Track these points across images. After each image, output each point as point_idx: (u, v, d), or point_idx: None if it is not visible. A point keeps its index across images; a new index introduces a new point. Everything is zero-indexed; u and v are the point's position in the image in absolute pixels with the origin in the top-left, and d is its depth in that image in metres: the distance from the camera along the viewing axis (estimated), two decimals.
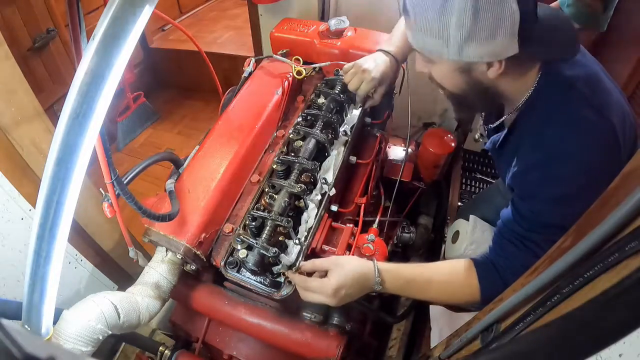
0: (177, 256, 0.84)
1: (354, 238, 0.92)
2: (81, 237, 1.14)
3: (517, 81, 0.73)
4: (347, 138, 1.03)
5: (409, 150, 1.34)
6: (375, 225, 0.98)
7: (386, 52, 1.01)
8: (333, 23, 1.17)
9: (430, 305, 1.08)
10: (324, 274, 0.77)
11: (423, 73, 0.81)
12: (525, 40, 0.65)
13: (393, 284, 0.77)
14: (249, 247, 0.80)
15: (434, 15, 0.65)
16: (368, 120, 1.19)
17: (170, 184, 0.89)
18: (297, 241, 0.82)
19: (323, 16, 1.58)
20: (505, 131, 0.82)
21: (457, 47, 0.66)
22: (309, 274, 0.79)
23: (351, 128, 1.05)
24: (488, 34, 0.64)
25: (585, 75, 0.70)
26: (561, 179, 0.68)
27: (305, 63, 1.15)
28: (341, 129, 1.04)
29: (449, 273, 0.80)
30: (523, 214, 0.73)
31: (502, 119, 0.83)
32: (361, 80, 0.98)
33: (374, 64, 0.98)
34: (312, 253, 0.89)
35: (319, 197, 0.90)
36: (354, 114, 1.09)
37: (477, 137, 0.97)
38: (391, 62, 1.01)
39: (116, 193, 0.71)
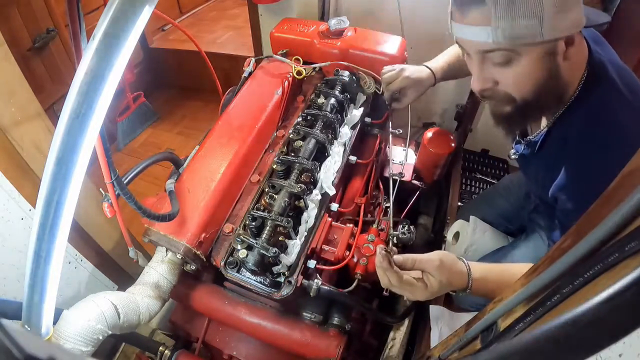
0: (177, 256, 0.84)
1: (354, 238, 0.92)
2: (81, 237, 1.14)
3: (573, 63, 0.70)
4: (347, 138, 1.03)
5: (410, 150, 1.34)
6: (375, 226, 0.98)
7: (428, 67, 1.07)
8: (333, 23, 1.17)
9: (430, 305, 1.08)
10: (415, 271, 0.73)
11: (483, 89, 0.74)
12: None
13: (478, 291, 0.74)
14: (249, 247, 0.80)
15: None
16: (368, 120, 1.19)
17: (170, 184, 0.89)
18: (297, 241, 0.82)
19: (323, 16, 1.58)
20: (544, 132, 0.79)
21: (551, 23, 0.61)
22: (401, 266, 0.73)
23: (352, 127, 1.06)
24: None
25: (617, 65, 0.70)
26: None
27: (305, 63, 1.15)
28: (341, 129, 1.04)
29: None
30: None
31: (555, 117, 0.76)
32: (396, 77, 1.04)
33: (414, 69, 1.05)
34: (312, 253, 0.89)
35: (319, 197, 0.90)
36: (354, 114, 1.09)
37: (512, 155, 0.92)
38: (428, 75, 1.06)
39: (116, 193, 0.71)
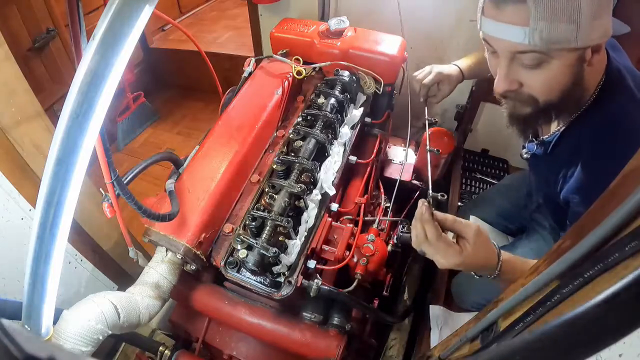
0: (177, 256, 0.84)
1: (354, 238, 0.92)
2: (81, 237, 1.14)
3: (595, 70, 0.69)
4: (347, 138, 1.03)
5: (410, 150, 1.34)
6: (375, 226, 0.98)
7: (457, 65, 1.10)
8: (333, 23, 1.17)
9: (430, 305, 1.08)
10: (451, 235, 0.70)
11: (508, 90, 0.71)
12: None
13: (505, 276, 0.70)
14: (249, 247, 0.80)
15: None
16: (368, 120, 1.19)
17: (170, 184, 0.89)
18: (297, 241, 0.82)
19: (323, 16, 1.58)
20: (558, 133, 0.78)
21: (586, 29, 0.59)
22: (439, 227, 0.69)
23: (352, 127, 1.06)
24: (606, 3, 0.59)
25: (632, 72, 0.71)
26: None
27: (305, 63, 1.15)
28: (341, 129, 1.04)
29: None
30: None
31: (571, 119, 0.75)
32: (429, 73, 1.08)
33: (444, 66, 1.09)
34: (312, 253, 0.89)
35: (319, 197, 0.90)
36: (354, 114, 1.09)
37: (524, 154, 0.92)
38: (457, 72, 1.09)
39: (116, 193, 0.71)
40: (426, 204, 0.69)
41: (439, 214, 0.70)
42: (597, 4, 0.59)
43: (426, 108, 1.14)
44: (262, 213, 0.81)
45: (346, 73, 1.10)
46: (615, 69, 0.71)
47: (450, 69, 1.09)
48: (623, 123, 0.68)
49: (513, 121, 0.78)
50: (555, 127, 0.79)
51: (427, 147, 1.07)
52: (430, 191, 0.79)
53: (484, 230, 0.69)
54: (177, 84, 3.02)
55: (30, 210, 0.95)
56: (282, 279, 0.81)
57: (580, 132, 0.73)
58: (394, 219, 1.09)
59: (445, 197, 0.91)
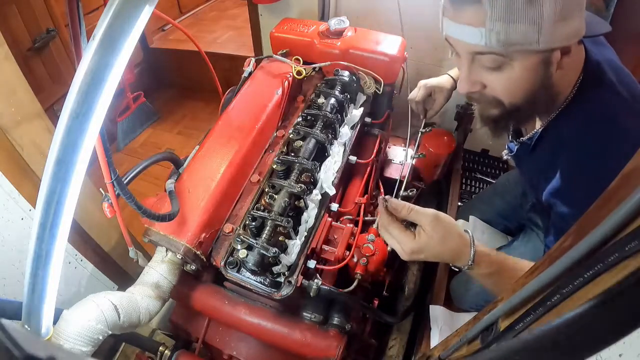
0: (177, 256, 0.84)
1: (354, 238, 0.92)
2: (81, 237, 1.14)
3: (568, 71, 0.67)
4: (347, 138, 1.03)
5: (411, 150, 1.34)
6: (375, 225, 0.98)
7: (449, 74, 1.12)
8: (333, 23, 1.17)
9: (430, 305, 1.08)
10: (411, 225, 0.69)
11: (470, 92, 0.71)
12: None
13: (482, 270, 0.68)
14: (249, 247, 0.80)
15: None
16: (368, 120, 1.19)
17: (170, 184, 0.89)
18: (297, 241, 0.82)
19: (323, 16, 1.58)
20: (537, 133, 0.77)
21: (549, 31, 0.57)
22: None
23: (352, 127, 1.06)
24: (577, 4, 0.57)
25: (615, 66, 0.68)
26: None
27: (305, 63, 1.15)
28: (341, 129, 1.04)
29: None
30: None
31: (548, 119, 0.74)
32: (418, 90, 1.12)
33: (432, 78, 1.10)
34: (312, 253, 0.89)
35: (319, 197, 0.90)
36: (354, 114, 1.09)
37: (504, 154, 0.92)
38: (447, 79, 1.11)
39: (116, 193, 0.71)
40: (383, 197, 0.71)
41: (394, 203, 0.70)
42: (563, 4, 0.56)
43: (423, 121, 1.17)
44: (262, 213, 0.81)
45: (346, 73, 1.10)
46: (594, 64, 0.68)
47: (441, 79, 1.10)
48: (603, 122, 0.66)
49: (483, 122, 0.78)
50: (537, 126, 0.78)
51: (413, 154, 1.17)
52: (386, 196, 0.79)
53: (446, 217, 0.68)
54: (177, 84, 3.02)
55: (30, 210, 0.95)
56: (282, 279, 0.81)
57: (560, 132, 0.72)
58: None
59: (414, 191, 1.00)
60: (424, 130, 1.19)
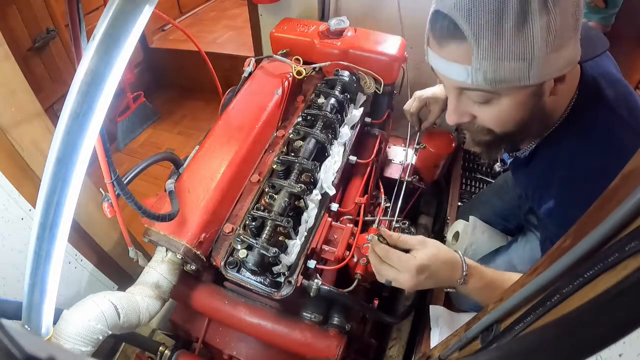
0: (177, 256, 0.84)
1: (354, 238, 0.92)
2: (81, 237, 1.14)
3: (563, 94, 0.64)
4: (347, 138, 1.03)
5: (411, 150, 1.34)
6: (375, 225, 0.98)
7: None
8: (333, 23, 1.17)
9: (430, 305, 1.08)
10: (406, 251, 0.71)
11: (459, 123, 0.69)
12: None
13: (475, 283, 0.69)
14: (249, 247, 0.80)
15: (512, 31, 0.51)
16: (368, 120, 1.19)
17: (170, 184, 0.89)
18: (297, 241, 0.82)
19: (323, 16, 1.58)
20: (530, 150, 0.75)
21: (541, 65, 0.53)
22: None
23: (352, 127, 1.06)
24: (572, 30, 0.53)
25: (613, 80, 0.66)
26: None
27: (305, 63, 1.15)
28: (341, 129, 1.04)
29: None
30: None
31: (542, 138, 0.72)
32: (412, 102, 1.12)
33: (426, 89, 1.10)
34: (312, 253, 0.89)
35: (319, 197, 0.90)
36: (354, 114, 1.09)
37: (497, 167, 0.92)
38: (441, 88, 1.08)
39: (116, 193, 0.71)
40: (375, 236, 0.74)
41: (385, 232, 0.73)
42: (557, 36, 0.52)
43: (418, 134, 1.19)
44: (262, 213, 0.81)
45: (346, 73, 1.10)
46: (590, 80, 0.65)
47: (435, 89, 1.09)
48: (597, 142, 0.64)
49: (475, 145, 0.76)
50: (532, 142, 0.76)
51: (406, 179, 1.18)
52: (381, 228, 0.82)
53: (430, 239, 0.72)
54: (177, 84, 3.02)
55: (30, 210, 0.95)
56: (282, 279, 0.81)
57: (553, 151, 0.70)
58: (394, 219, 1.09)
59: (408, 233, 0.97)
60: (418, 147, 1.23)
